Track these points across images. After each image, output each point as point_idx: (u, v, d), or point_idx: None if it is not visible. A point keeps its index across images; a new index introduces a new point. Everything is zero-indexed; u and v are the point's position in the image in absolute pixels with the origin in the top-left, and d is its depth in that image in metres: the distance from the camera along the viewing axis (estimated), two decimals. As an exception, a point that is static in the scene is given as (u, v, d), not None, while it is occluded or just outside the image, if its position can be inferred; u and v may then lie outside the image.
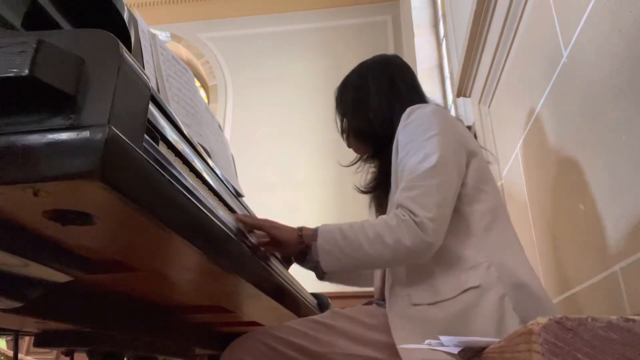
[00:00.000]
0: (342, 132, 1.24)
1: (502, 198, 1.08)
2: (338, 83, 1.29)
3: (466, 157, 1.03)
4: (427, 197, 0.95)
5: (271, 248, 1.00)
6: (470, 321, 0.89)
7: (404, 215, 0.94)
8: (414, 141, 1.01)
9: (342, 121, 1.24)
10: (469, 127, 2.42)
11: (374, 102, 1.16)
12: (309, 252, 1.00)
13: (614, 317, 0.34)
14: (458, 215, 1.00)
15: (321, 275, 1.31)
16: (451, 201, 0.98)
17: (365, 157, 1.25)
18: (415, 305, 0.96)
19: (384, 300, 1.08)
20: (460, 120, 1.14)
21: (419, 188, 0.96)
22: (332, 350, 1.00)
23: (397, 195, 0.97)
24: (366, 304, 1.16)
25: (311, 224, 1.03)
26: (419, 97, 1.18)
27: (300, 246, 1.00)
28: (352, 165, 1.28)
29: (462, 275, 0.94)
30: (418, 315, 0.95)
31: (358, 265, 0.98)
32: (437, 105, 1.11)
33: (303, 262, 1.29)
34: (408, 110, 1.06)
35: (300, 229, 1.02)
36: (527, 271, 0.96)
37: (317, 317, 1.07)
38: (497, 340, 0.50)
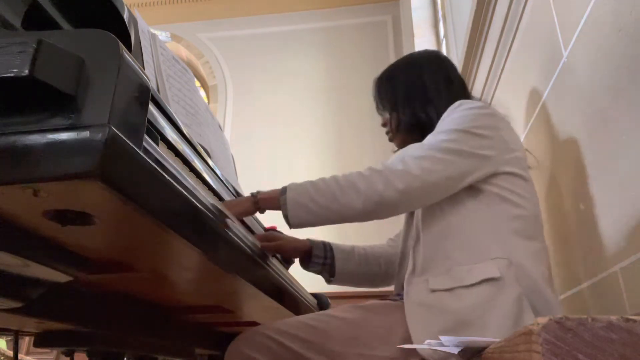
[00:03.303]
0: (390, 126, 1.22)
1: (539, 210, 1.06)
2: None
3: (496, 163, 1.00)
4: (417, 160, 0.93)
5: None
6: (488, 315, 0.87)
7: (379, 167, 0.92)
8: (449, 127, 1.00)
9: (390, 115, 1.22)
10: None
11: (433, 96, 1.15)
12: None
13: (614, 317, 0.34)
14: (488, 211, 0.98)
15: (328, 279, 1.28)
16: (446, 180, 0.95)
17: None
18: (433, 291, 0.93)
19: (399, 295, 1.06)
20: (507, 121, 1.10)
21: (416, 150, 0.94)
22: (342, 347, 0.95)
23: None
24: (382, 299, 1.12)
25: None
26: (465, 93, 1.20)
27: (256, 212, 1.00)
28: None
29: (481, 265, 0.92)
30: (435, 303, 0.92)
31: (329, 217, 0.94)
32: (485, 103, 1.10)
33: (308, 266, 1.26)
34: (458, 102, 1.06)
35: (255, 193, 1.00)
36: (545, 278, 0.95)
37: (329, 310, 1.03)
38: (497, 340, 0.50)
